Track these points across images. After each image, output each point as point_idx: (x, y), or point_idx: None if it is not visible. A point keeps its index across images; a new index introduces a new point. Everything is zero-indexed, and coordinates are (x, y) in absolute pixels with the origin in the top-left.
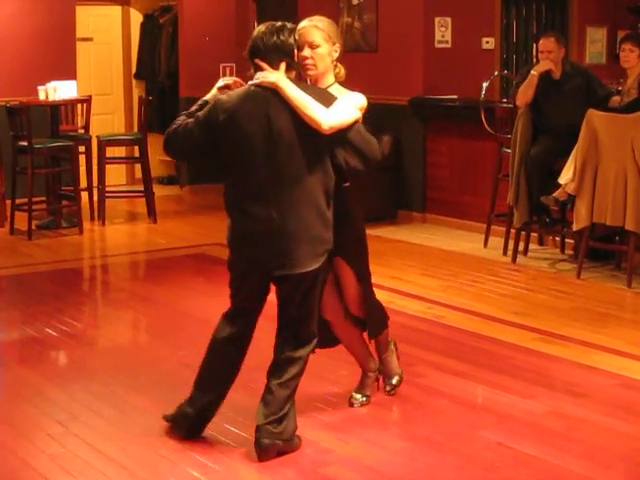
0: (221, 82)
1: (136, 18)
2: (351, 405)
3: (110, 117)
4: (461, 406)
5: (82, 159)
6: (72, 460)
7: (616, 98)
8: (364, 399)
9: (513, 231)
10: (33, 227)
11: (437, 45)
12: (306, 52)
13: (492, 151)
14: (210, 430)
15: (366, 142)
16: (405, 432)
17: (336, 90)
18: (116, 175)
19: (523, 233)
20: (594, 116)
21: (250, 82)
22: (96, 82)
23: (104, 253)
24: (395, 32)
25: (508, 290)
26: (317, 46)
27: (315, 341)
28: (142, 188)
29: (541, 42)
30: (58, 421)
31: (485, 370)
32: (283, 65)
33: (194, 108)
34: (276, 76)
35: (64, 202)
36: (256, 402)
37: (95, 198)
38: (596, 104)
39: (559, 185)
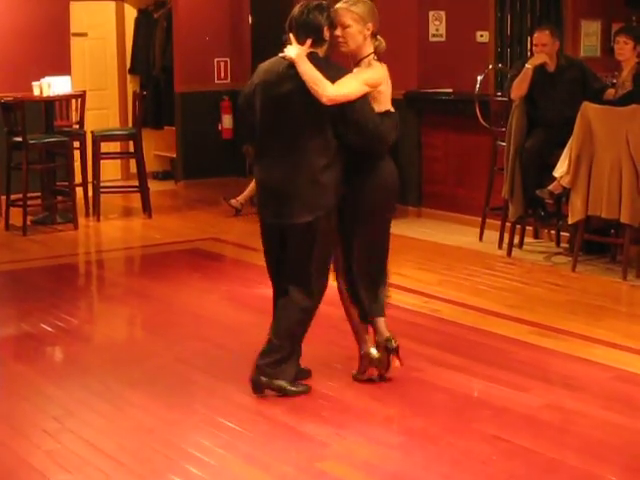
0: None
1: (130, 13)
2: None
3: (105, 112)
4: (457, 400)
5: (77, 154)
6: (68, 456)
7: (611, 91)
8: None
9: (508, 224)
10: (28, 222)
11: (431, 39)
12: (338, 31)
13: (487, 144)
14: (205, 424)
15: (365, 118)
16: (401, 426)
17: (366, 64)
18: (111, 170)
19: (518, 226)
20: (589, 109)
21: (280, 54)
22: (90, 77)
23: (99, 248)
24: (389, 26)
25: (504, 283)
26: (347, 26)
27: (321, 296)
28: (137, 183)
29: (536, 35)
30: (54, 417)
31: (481, 364)
32: (309, 41)
33: None
34: (296, 52)
35: (59, 197)
36: (250, 395)
37: (90, 193)
38: (591, 97)
39: (554, 178)
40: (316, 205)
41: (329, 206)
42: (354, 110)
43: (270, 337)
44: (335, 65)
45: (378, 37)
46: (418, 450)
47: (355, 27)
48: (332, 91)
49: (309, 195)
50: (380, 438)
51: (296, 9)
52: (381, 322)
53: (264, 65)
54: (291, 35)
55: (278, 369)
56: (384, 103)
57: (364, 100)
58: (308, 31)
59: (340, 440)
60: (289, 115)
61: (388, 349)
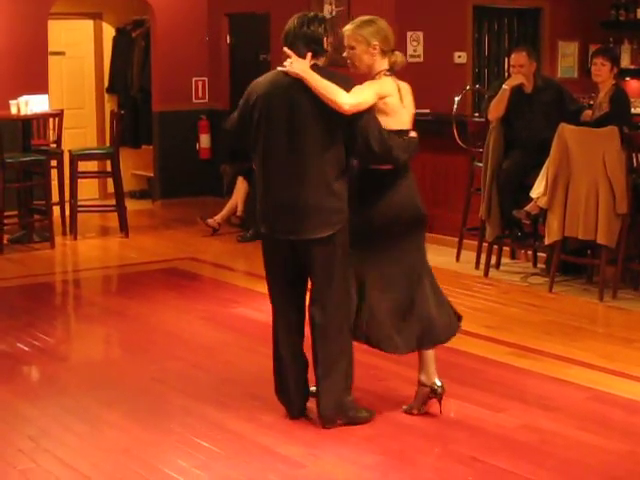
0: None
1: (108, 32)
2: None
3: (82, 131)
4: (433, 420)
5: (54, 173)
6: (43, 475)
7: (588, 112)
8: (407, 408)
9: (485, 245)
10: (5, 241)
11: (409, 59)
12: (345, 54)
13: (464, 165)
14: (181, 444)
15: (372, 130)
16: (377, 447)
17: (375, 79)
18: (88, 189)
19: (495, 247)
20: (566, 130)
21: (279, 68)
22: (68, 96)
23: (76, 267)
24: None
25: (480, 304)
26: (352, 48)
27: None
28: (114, 202)
29: (513, 56)
30: (29, 436)
31: (457, 384)
32: (309, 54)
33: None
34: (301, 66)
35: (36, 216)
36: (226, 415)
37: (67, 212)
38: (568, 118)
39: (531, 199)
40: (335, 218)
41: (345, 218)
42: (362, 119)
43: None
44: (339, 74)
45: (395, 52)
46: (394, 471)
47: (359, 48)
48: (351, 99)
49: (327, 208)
50: (355, 458)
51: (293, 22)
52: None
53: (263, 79)
54: (286, 49)
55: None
56: (396, 119)
57: (371, 112)
58: (309, 43)
59: (315, 460)
60: (300, 127)
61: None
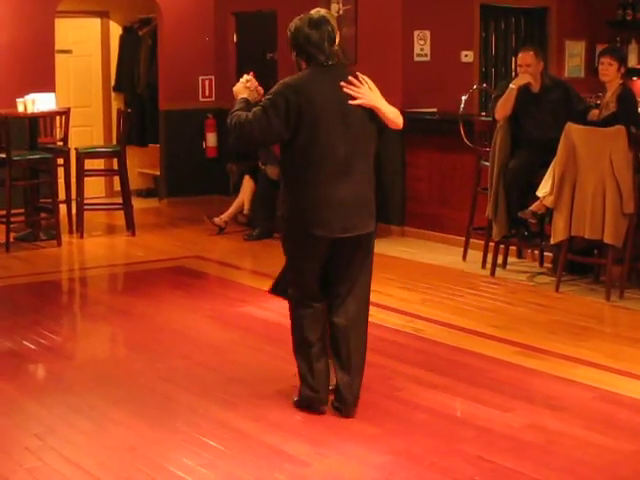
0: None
1: (115, 30)
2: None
3: (89, 129)
4: (440, 420)
5: (61, 171)
6: (49, 474)
7: (595, 111)
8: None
9: (492, 244)
10: (11, 239)
11: (416, 58)
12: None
13: (471, 164)
14: (187, 443)
15: None
16: (384, 446)
17: None
18: (95, 188)
19: (502, 246)
20: (572, 130)
21: (351, 102)
22: (75, 94)
23: (82, 266)
24: (374, 45)
25: (487, 303)
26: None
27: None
28: (121, 201)
29: (520, 55)
30: (35, 434)
31: (464, 384)
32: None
33: (239, 106)
34: (373, 97)
35: (42, 214)
36: (232, 414)
37: (73, 211)
38: (575, 118)
39: (537, 198)
40: (374, 213)
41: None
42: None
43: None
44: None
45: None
46: (401, 470)
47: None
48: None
49: (372, 204)
50: (362, 458)
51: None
52: None
53: (308, 80)
54: (352, 81)
55: None
56: None
57: None
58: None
59: (321, 459)
60: (355, 128)
61: None
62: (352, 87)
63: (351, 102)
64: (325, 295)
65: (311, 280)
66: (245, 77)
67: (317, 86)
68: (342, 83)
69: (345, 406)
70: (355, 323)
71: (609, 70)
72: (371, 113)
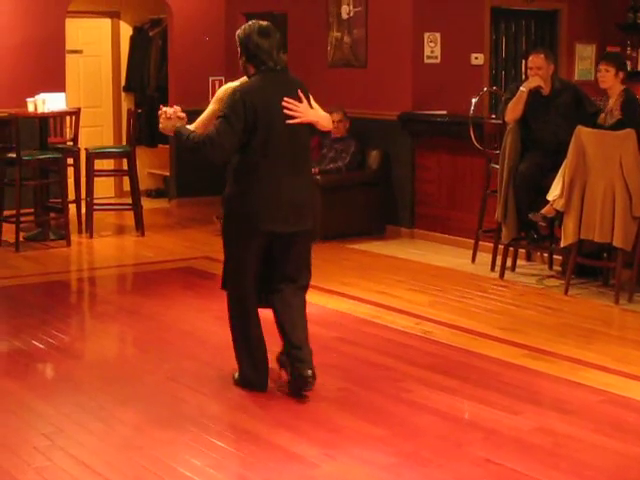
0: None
1: (126, 31)
2: None
3: (99, 130)
4: (448, 422)
5: (70, 171)
6: (58, 473)
7: (602, 116)
8: None
9: (501, 247)
10: (21, 239)
11: (426, 61)
12: None
13: (480, 167)
14: (196, 443)
15: None
16: (392, 448)
17: None
18: (104, 188)
19: (511, 249)
20: (582, 133)
21: (290, 122)
22: (85, 94)
23: (91, 266)
24: (384, 47)
25: (496, 306)
26: None
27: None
28: (130, 201)
29: (530, 58)
30: (44, 434)
31: (472, 386)
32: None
33: (187, 132)
34: (313, 114)
35: (52, 214)
36: (240, 415)
37: (83, 210)
38: (585, 121)
39: (547, 201)
40: (315, 209)
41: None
42: None
43: (303, 340)
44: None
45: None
46: (409, 472)
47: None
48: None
49: (313, 202)
50: (370, 459)
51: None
52: None
53: (253, 87)
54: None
55: None
56: None
57: None
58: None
59: (330, 461)
60: (299, 131)
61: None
62: (291, 106)
63: (290, 122)
64: (261, 290)
65: (250, 276)
66: (171, 109)
67: (269, 90)
68: (283, 102)
69: (309, 385)
70: (302, 305)
71: (607, 76)
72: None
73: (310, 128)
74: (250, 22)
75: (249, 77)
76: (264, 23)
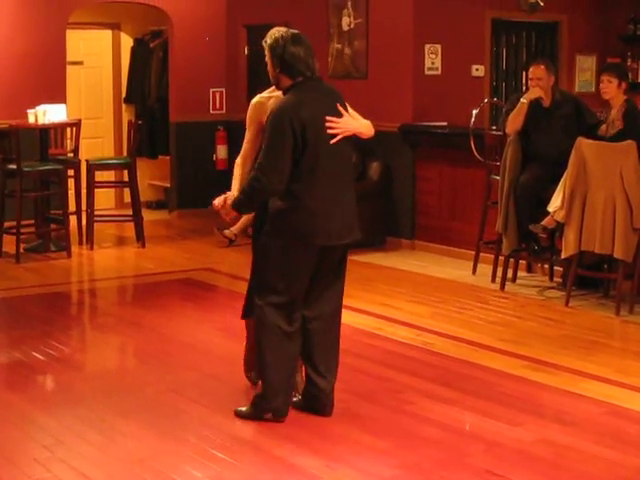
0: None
1: (126, 42)
2: None
3: (99, 141)
4: (450, 434)
5: (71, 183)
6: None
7: (604, 127)
8: None
9: (502, 258)
10: (21, 250)
11: (427, 72)
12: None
13: (481, 178)
14: (196, 455)
15: None
16: (393, 459)
17: None
18: (105, 199)
19: (512, 260)
20: (583, 144)
21: (334, 141)
22: (86, 106)
23: (92, 277)
24: (385, 59)
25: (497, 317)
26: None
27: None
28: (131, 212)
29: (531, 69)
30: (44, 445)
31: (473, 397)
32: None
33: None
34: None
35: (52, 226)
36: (242, 426)
37: (84, 222)
38: (585, 132)
39: (548, 213)
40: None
41: None
42: None
43: (332, 362)
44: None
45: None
46: None
47: (268, 64)
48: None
49: (356, 215)
50: (372, 471)
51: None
52: None
53: (302, 98)
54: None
55: None
56: None
57: None
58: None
59: (331, 472)
60: (339, 147)
61: None
62: (333, 124)
63: (334, 141)
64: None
65: (299, 293)
66: (218, 203)
67: (313, 104)
68: (326, 123)
69: (324, 411)
70: (330, 327)
71: (609, 87)
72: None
73: (353, 140)
74: (276, 30)
75: (282, 89)
76: (294, 31)
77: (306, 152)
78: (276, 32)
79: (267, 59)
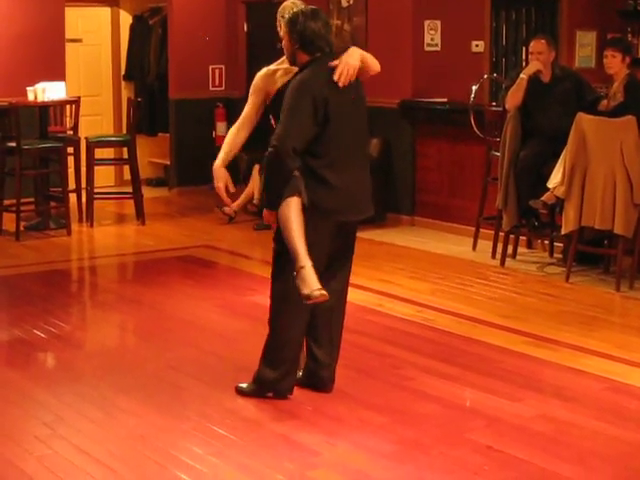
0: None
1: (125, 19)
2: None
3: (99, 118)
4: (450, 409)
5: (70, 160)
6: (59, 462)
7: (604, 102)
8: None
9: (502, 234)
10: (21, 228)
11: (426, 48)
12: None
13: (481, 154)
14: (197, 431)
15: None
16: (393, 435)
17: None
18: (104, 177)
19: (512, 236)
20: (583, 120)
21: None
22: (85, 83)
23: (92, 255)
24: (384, 35)
25: (497, 293)
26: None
27: None
28: (130, 190)
29: (532, 44)
30: (45, 423)
31: (474, 373)
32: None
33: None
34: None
35: (52, 203)
36: (242, 403)
37: (83, 199)
38: (585, 108)
39: (548, 189)
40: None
41: None
42: None
43: (336, 338)
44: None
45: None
46: (410, 459)
47: (285, 39)
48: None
49: (370, 190)
50: (372, 447)
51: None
52: None
53: (317, 74)
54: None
55: None
56: None
57: None
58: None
59: (331, 448)
60: (358, 114)
61: None
62: (338, 76)
63: (341, 85)
64: None
65: (320, 264)
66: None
67: (332, 80)
68: (334, 78)
69: (325, 388)
70: (337, 304)
71: (613, 62)
72: (364, 100)
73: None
74: (292, 4)
75: (299, 64)
76: (311, 6)
77: (327, 128)
78: (293, 6)
79: (283, 33)
